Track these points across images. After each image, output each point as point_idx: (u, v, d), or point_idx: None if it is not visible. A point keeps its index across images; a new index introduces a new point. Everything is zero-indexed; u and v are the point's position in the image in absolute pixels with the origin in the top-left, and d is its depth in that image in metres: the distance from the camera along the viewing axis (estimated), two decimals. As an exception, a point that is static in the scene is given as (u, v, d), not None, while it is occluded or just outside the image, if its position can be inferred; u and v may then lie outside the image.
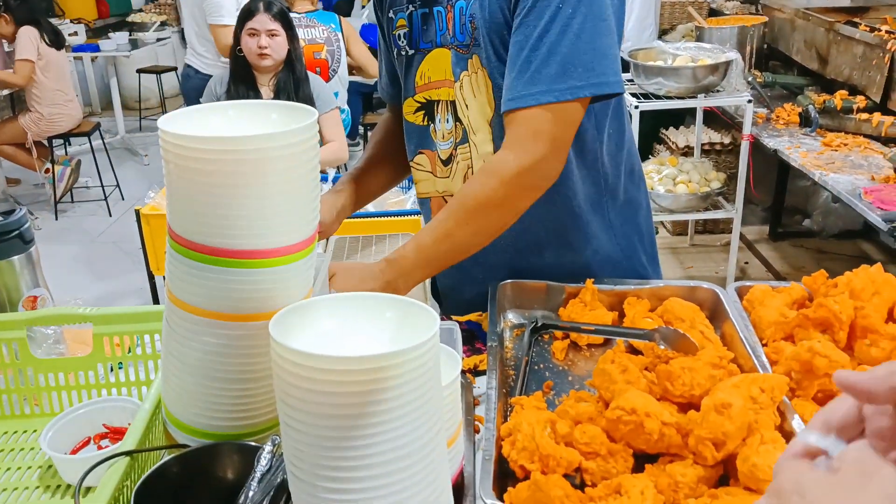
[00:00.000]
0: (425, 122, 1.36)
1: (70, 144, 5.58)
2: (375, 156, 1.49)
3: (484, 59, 1.23)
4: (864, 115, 2.82)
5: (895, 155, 2.44)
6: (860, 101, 2.87)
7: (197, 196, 0.74)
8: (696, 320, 1.20)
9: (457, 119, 1.30)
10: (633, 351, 1.21)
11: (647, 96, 3.10)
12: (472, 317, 1.37)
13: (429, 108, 1.35)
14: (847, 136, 2.86)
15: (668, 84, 3.01)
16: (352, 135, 5.34)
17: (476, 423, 1.06)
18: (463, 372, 1.17)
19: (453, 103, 1.29)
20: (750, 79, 3.36)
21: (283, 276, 0.77)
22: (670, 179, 3.35)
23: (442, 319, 1.35)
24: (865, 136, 2.83)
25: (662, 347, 1.11)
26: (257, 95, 3.02)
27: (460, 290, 1.45)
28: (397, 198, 2.74)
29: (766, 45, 3.77)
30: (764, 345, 1.17)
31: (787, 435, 0.95)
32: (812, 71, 3.37)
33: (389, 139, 1.49)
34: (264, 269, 0.74)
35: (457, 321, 1.35)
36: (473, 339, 1.28)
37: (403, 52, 1.34)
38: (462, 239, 1.17)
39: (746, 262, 3.90)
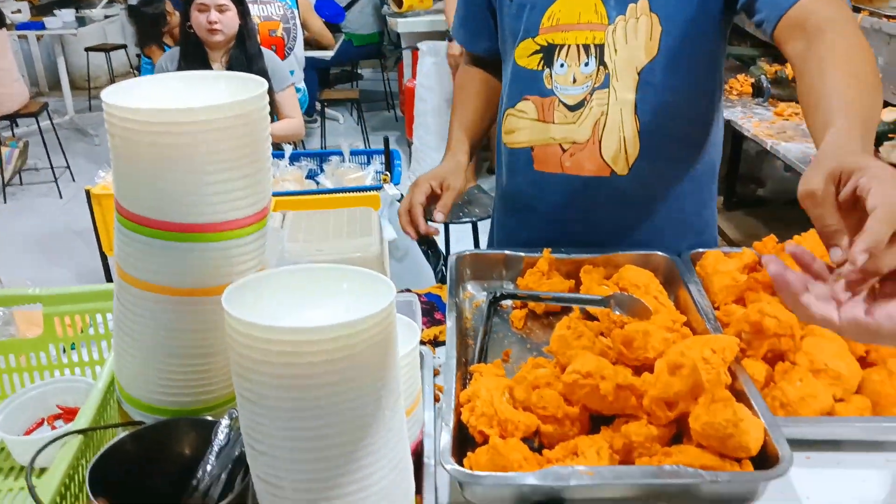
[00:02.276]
0: (540, 67, 1.33)
1: (17, 126, 5.42)
2: (479, 105, 1.50)
3: (656, 2, 1.22)
4: (814, 85, 2.87)
5: (843, 123, 2.49)
6: (810, 70, 2.92)
7: (143, 170, 0.73)
8: (650, 286, 1.22)
9: (601, 63, 1.28)
10: (590, 317, 1.22)
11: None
12: (433, 289, 1.38)
13: (548, 51, 1.32)
14: (798, 106, 2.91)
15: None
16: (309, 111, 5.29)
17: (437, 392, 1.07)
18: (423, 343, 1.18)
19: (600, 46, 1.27)
20: (703, 50, 3.39)
21: (233, 250, 0.76)
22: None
23: (400, 292, 1.35)
24: (815, 104, 2.89)
25: (618, 313, 1.13)
26: (210, 72, 2.95)
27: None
28: (356, 173, 2.72)
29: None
30: (716, 308, 1.20)
31: (738, 394, 0.97)
32: (764, 42, 3.42)
33: (484, 81, 1.51)
34: (213, 242, 0.74)
35: (417, 293, 1.36)
36: (433, 310, 1.29)
37: None
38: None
39: (702, 232, 3.97)
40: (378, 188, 2.34)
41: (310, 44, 4.89)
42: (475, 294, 1.32)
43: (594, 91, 1.29)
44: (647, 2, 1.23)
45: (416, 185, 1.35)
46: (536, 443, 0.96)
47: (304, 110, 4.03)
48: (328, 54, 5.20)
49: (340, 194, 2.34)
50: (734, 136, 3.87)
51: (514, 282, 1.33)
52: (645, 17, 1.24)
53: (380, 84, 6.53)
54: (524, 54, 1.34)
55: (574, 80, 1.29)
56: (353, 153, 2.84)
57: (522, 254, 1.34)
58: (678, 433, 0.95)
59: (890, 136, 2.31)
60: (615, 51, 1.26)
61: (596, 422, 0.97)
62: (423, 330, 1.22)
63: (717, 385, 0.95)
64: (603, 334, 1.12)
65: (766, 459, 0.88)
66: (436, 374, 1.11)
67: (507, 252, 1.34)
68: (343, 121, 6.22)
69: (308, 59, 4.67)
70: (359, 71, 6.78)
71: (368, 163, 2.84)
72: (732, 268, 1.27)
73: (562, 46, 1.30)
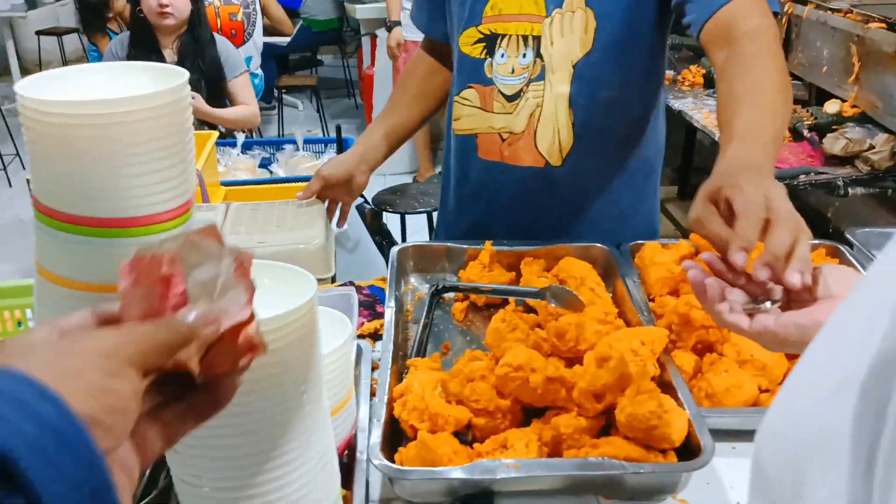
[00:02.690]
0: (482, 55, 1.34)
1: (-36, 111, 5.27)
2: (415, 93, 1.51)
3: None
4: (763, 77, 2.92)
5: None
6: (759, 63, 2.97)
7: (59, 164, 0.71)
8: (588, 278, 1.24)
9: (538, 55, 1.29)
10: (530, 310, 1.24)
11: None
12: (376, 281, 1.38)
13: (490, 41, 1.32)
14: (747, 98, 2.96)
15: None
16: (267, 98, 5.22)
17: (374, 386, 1.07)
18: (363, 336, 1.18)
19: (537, 38, 1.28)
20: (658, 41, 3.42)
21: (154, 246, 0.75)
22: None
23: (342, 285, 1.35)
24: (764, 97, 2.94)
25: (553, 305, 1.14)
26: (160, 58, 2.90)
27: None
28: (310, 162, 2.70)
29: (674, 8, 3.84)
30: (651, 300, 1.22)
31: (666, 385, 0.99)
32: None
33: (427, 75, 1.51)
34: (131, 238, 0.73)
35: (359, 286, 1.36)
36: (374, 303, 1.29)
37: None
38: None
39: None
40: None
41: (268, 30, 4.83)
42: (417, 286, 1.33)
43: (530, 83, 1.30)
44: None
45: (317, 178, 1.42)
46: (470, 436, 0.97)
47: (260, 97, 3.98)
48: (285, 40, 5.14)
49: (292, 184, 2.32)
50: (687, 127, 3.92)
51: (457, 274, 1.33)
52: (581, 12, 1.24)
53: (340, 71, 6.47)
54: (468, 42, 1.34)
55: (512, 71, 1.30)
56: (308, 141, 2.82)
57: (465, 246, 1.34)
58: (607, 424, 0.97)
59: (833, 127, 2.37)
60: (551, 43, 1.27)
61: (528, 414, 0.99)
62: (363, 323, 1.22)
63: (643, 377, 0.96)
64: (540, 326, 1.13)
65: (690, 450, 0.90)
66: (375, 368, 1.11)
67: (448, 244, 1.35)
68: (302, 108, 6.16)
69: (266, 46, 4.61)
70: (319, 57, 6.70)
71: (324, 151, 2.82)
72: (669, 259, 1.29)
73: (503, 36, 1.30)
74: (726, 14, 1.09)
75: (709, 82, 3.14)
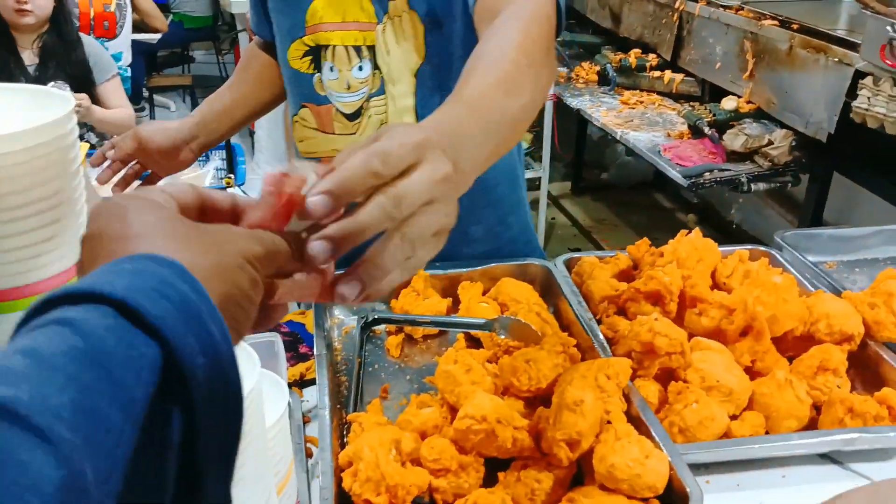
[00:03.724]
0: (310, 70, 1.18)
1: None
2: (246, 78, 1.32)
3: None
4: (657, 73, 2.96)
5: (688, 112, 2.57)
6: (653, 59, 3.00)
7: None
8: (530, 300, 1.15)
9: (376, 66, 1.14)
10: (472, 338, 1.14)
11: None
12: (294, 315, 1.23)
13: (316, 53, 1.17)
14: (643, 94, 2.99)
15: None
16: (135, 99, 4.85)
17: (309, 445, 0.94)
18: (289, 385, 1.04)
19: (371, 48, 1.13)
20: (550, 38, 3.40)
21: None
22: (480, 140, 3.33)
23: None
24: (658, 93, 2.97)
25: (503, 337, 1.04)
26: (18, 62, 2.59)
27: None
28: (194, 172, 2.48)
29: (561, 4, 3.84)
30: (598, 320, 1.15)
31: (634, 420, 0.92)
32: (606, 29, 3.48)
33: (264, 68, 1.32)
34: (9, 314, 0.56)
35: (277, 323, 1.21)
36: (297, 342, 1.14)
37: None
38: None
39: (553, 218, 4.03)
40: (222, 189, 2.14)
41: (137, 25, 4.48)
42: (344, 319, 1.20)
43: (371, 98, 1.17)
44: None
45: (133, 138, 1.24)
46: (428, 497, 0.85)
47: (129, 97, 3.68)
48: (155, 37, 4.79)
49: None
50: (580, 123, 3.95)
51: (388, 303, 1.21)
52: (406, 15, 1.12)
53: (214, 68, 6.13)
54: (296, 56, 1.20)
55: (348, 87, 1.17)
56: (191, 150, 2.59)
57: (393, 272, 1.22)
58: (578, 471, 0.88)
59: (731, 123, 2.40)
60: (387, 52, 1.14)
61: (491, 466, 0.88)
62: (288, 368, 1.07)
63: (618, 417, 0.88)
64: (490, 360, 1.03)
65: (671, 494, 0.83)
66: (306, 421, 0.97)
67: (376, 271, 1.22)
68: (175, 109, 5.78)
69: (134, 43, 4.27)
70: (190, 53, 6.32)
71: (207, 159, 2.60)
72: (608, 274, 1.23)
73: (327, 47, 1.16)
74: None
75: (603, 79, 3.15)
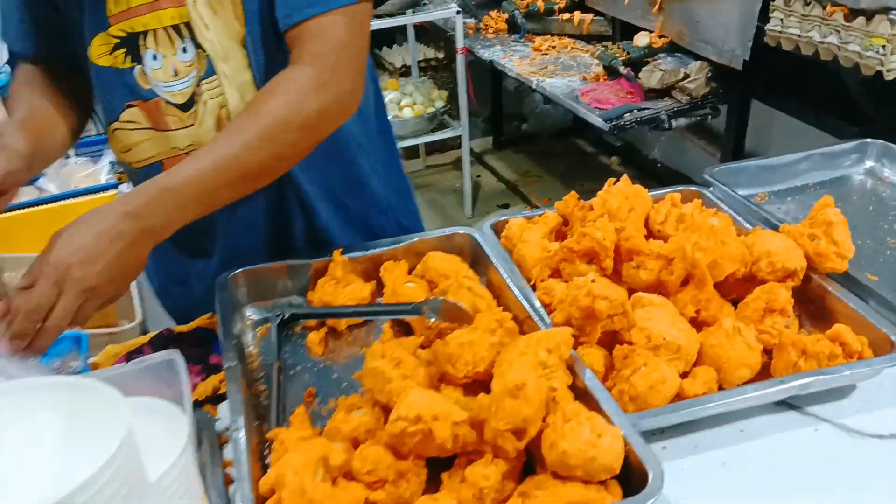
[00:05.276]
0: (128, 64, 1.04)
1: None
2: (36, 118, 1.06)
3: None
4: (566, 15, 2.88)
5: (602, 53, 2.50)
6: (560, 1, 2.92)
7: None
8: (459, 274, 1.07)
9: (197, 46, 1.02)
10: (401, 323, 1.05)
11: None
12: (201, 321, 1.11)
13: (131, 43, 1.03)
14: (554, 39, 2.91)
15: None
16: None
17: (227, 471, 0.83)
18: (199, 403, 0.93)
19: (188, 25, 1.01)
20: (454, -11, 3.28)
21: None
22: (395, 104, 3.22)
23: (156, 335, 1.08)
24: (570, 35, 2.90)
25: (433, 321, 0.95)
26: None
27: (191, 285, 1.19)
28: (86, 170, 2.29)
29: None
30: (532, 286, 1.07)
31: (581, 393, 0.85)
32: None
33: (46, 99, 1.09)
34: None
35: (180, 332, 1.09)
36: (206, 353, 1.03)
37: None
38: (257, 164, 0.93)
39: (479, 176, 3.95)
40: (114, 186, 1.99)
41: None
42: (257, 319, 1.09)
43: (201, 81, 1.04)
44: None
45: None
46: (367, 513, 0.77)
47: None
48: None
49: (68, 200, 1.95)
50: (494, 75, 3.85)
51: (304, 295, 1.11)
52: None
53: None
54: (103, 52, 1.05)
55: (176, 73, 1.04)
56: (81, 145, 2.39)
57: (308, 261, 1.12)
58: (527, 460, 0.80)
59: (646, 60, 2.35)
60: (206, 27, 1.02)
61: (433, 465, 0.80)
62: (196, 385, 0.96)
63: (564, 396, 0.81)
64: (423, 346, 0.95)
65: (629, 472, 0.76)
66: (223, 442, 0.87)
67: (288, 262, 1.12)
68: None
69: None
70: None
71: (101, 155, 2.40)
72: (539, 235, 1.15)
73: (144, 34, 1.03)
74: (311, 29, 0.97)
75: (513, 27, 3.06)
